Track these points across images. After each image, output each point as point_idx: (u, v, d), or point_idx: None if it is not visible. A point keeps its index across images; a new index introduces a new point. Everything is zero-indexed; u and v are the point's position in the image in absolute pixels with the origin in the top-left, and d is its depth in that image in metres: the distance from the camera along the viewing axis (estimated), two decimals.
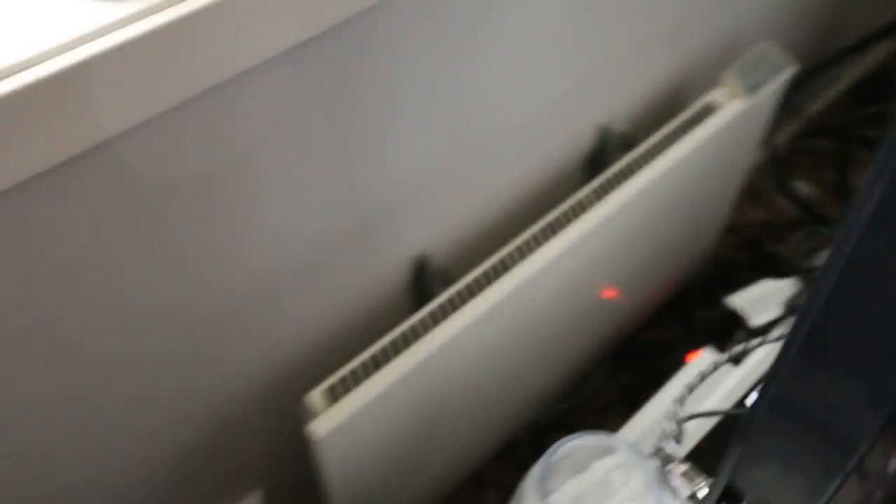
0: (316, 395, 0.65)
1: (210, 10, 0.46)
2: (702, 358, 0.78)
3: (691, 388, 0.59)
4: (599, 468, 0.52)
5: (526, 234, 0.79)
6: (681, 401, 0.58)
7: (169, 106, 0.47)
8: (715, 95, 0.91)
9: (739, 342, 0.79)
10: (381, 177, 0.69)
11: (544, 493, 0.48)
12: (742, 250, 1.36)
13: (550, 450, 0.51)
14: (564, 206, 0.81)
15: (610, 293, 1.07)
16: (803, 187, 1.42)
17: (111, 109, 0.45)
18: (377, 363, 0.68)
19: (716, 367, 0.61)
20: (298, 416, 0.75)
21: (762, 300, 0.82)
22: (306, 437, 0.66)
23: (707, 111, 0.90)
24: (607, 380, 1.20)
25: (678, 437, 0.54)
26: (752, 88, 0.91)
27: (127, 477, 0.69)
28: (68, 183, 0.48)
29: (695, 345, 0.90)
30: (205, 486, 0.79)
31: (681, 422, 0.56)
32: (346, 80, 0.59)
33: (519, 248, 0.78)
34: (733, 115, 0.91)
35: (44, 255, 0.50)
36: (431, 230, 0.79)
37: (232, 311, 0.65)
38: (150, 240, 0.55)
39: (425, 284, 0.80)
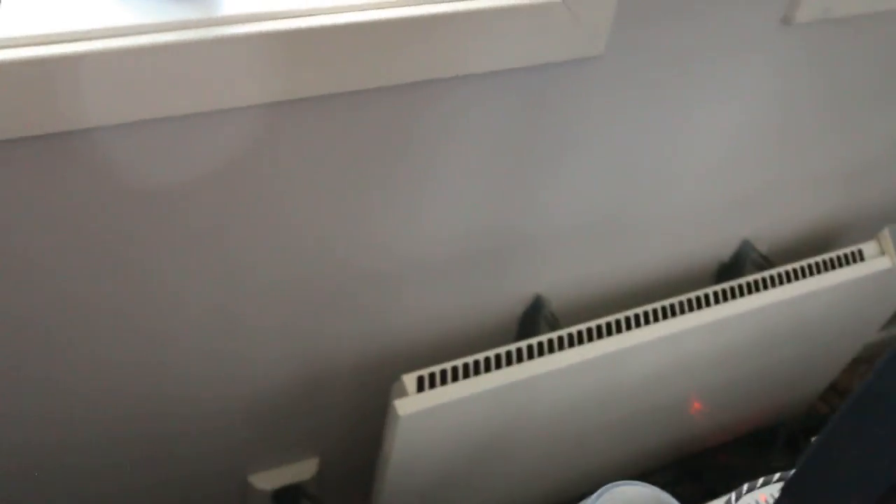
0: (409, 378, 0.70)
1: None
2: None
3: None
4: None
5: (639, 310, 0.82)
6: None
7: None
8: (865, 247, 0.92)
9: None
10: (536, 212, 0.75)
11: None
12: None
13: (601, 490, 0.53)
14: (683, 297, 0.84)
15: (697, 404, 1.08)
16: None
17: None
18: (469, 372, 0.73)
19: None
20: (381, 398, 0.81)
21: None
22: (389, 413, 0.72)
23: (852, 258, 0.92)
24: (667, 484, 1.20)
25: None
26: None
27: (219, 404, 0.76)
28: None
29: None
30: (274, 438, 0.85)
31: None
32: (542, 114, 0.65)
33: (628, 319, 0.82)
34: (875, 270, 0.92)
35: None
36: (558, 277, 0.84)
37: (355, 286, 0.72)
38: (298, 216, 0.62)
39: (534, 322, 0.84)
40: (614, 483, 0.54)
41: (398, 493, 0.82)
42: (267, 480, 0.89)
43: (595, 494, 0.53)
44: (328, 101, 0.56)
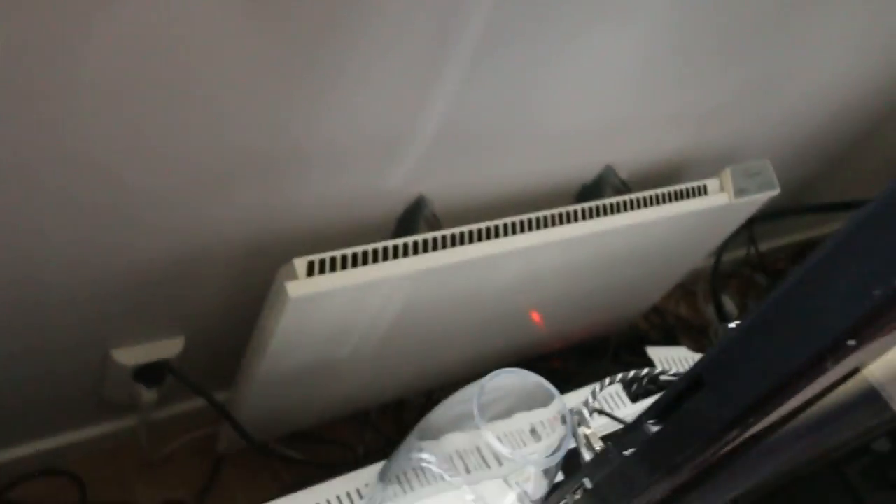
0: (300, 262, 0.72)
1: None
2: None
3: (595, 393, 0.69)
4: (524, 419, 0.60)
5: (507, 220, 0.87)
6: (593, 394, 0.68)
7: None
8: (709, 183, 1.02)
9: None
10: (426, 112, 0.77)
11: (480, 417, 0.55)
12: (657, 330, 1.49)
13: (489, 375, 0.58)
14: (538, 214, 0.89)
15: (536, 315, 1.17)
16: (729, 304, 1.56)
17: None
18: (356, 262, 0.76)
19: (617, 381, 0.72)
20: (255, 281, 0.82)
21: (675, 360, 0.93)
22: (274, 295, 0.73)
23: (696, 192, 1.02)
24: None
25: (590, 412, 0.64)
26: (739, 192, 1.03)
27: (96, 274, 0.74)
28: None
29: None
30: (141, 314, 0.84)
31: (592, 410, 0.65)
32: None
33: (497, 228, 0.86)
34: (713, 206, 1.02)
35: None
36: (439, 180, 0.87)
37: (245, 167, 0.71)
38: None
39: (414, 220, 0.88)
40: (499, 370, 0.59)
41: (270, 375, 0.85)
42: (129, 356, 0.88)
43: (485, 378, 0.58)
44: None
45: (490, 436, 0.52)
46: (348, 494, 0.72)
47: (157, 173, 0.67)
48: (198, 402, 1.07)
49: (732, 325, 0.43)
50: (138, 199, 0.69)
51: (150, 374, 0.91)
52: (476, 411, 0.53)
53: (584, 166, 1.02)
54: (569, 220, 0.91)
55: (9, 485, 0.97)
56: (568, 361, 1.33)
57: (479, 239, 0.84)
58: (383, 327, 0.88)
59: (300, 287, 0.71)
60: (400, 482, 0.62)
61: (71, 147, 0.60)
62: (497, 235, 0.85)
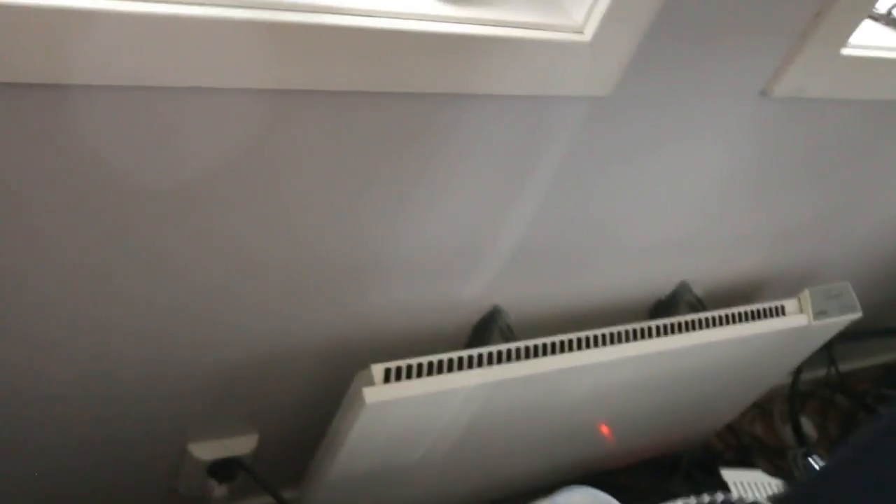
0: (378, 368, 0.74)
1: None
2: None
3: None
4: None
5: (581, 334, 0.88)
6: None
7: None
8: (787, 304, 1.01)
9: None
10: (508, 228, 0.80)
11: None
12: (732, 450, 1.44)
13: (559, 492, 0.59)
14: (612, 329, 0.90)
15: (606, 430, 1.15)
16: (808, 426, 1.50)
17: None
18: (432, 371, 0.77)
19: None
20: (333, 386, 0.84)
21: (750, 484, 0.90)
22: (351, 400, 0.75)
23: (774, 313, 1.01)
24: None
25: None
26: (818, 314, 1.01)
27: (184, 369, 0.78)
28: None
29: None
30: (221, 410, 0.87)
31: None
32: (541, 141, 0.70)
33: (571, 342, 0.87)
34: (792, 326, 1.01)
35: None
36: (516, 292, 0.89)
37: (332, 277, 0.75)
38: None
39: (489, 330, 0.89)
40: (570, 486, 0.59)
41: (340, 476, 0.85)
42: (206, 450, 0.90)
43: (556, 495, 0.58)
44: (343, 97, 0.59)
45: None
46: None
47: (255, 281, 0.71)
48: (267, 499, 1.08)
49: (814, 463, 0.43)
50: (235, 303, 0.72)
51: (223, 469, 0.92)
52: None
53: (660, 282, 1.03)
54: (642, 337, 0.91)
55: None
56: (637, 478, 1.29)
57: (553, 352, 0.84)
58: (454, 435, 0.88)
59: (376, 393, 0.73)
60: None
61: (182, 264, 0.65)
62: (570, 349, 0.86)
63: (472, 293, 0.86)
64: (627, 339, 0.91)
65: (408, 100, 0.61)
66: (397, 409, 0.75)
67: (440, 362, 0.77)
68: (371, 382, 0.74)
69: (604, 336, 0.89)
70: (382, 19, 0.54)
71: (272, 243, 0.68)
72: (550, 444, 1.07)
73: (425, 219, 0.74)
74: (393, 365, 0.76)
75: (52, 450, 0.81)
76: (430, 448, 0.88)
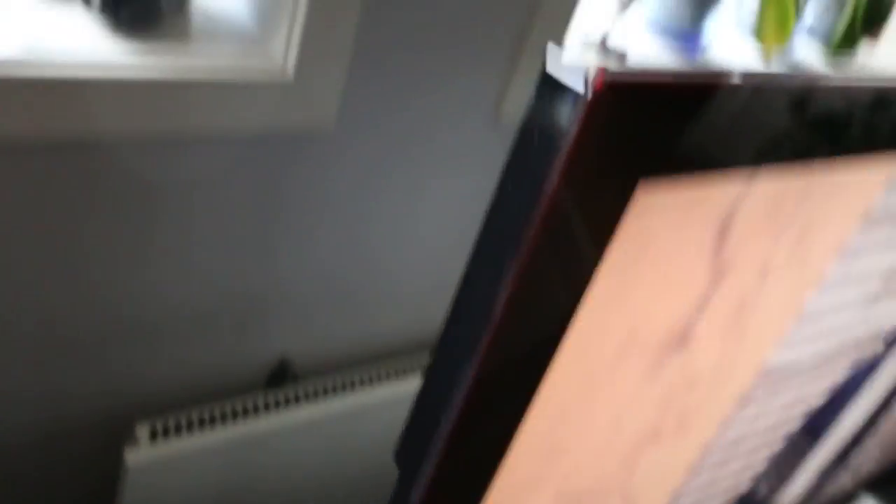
0: (142, 428, 0.73)
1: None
2: None
3: None
4: None
5: (373, 370, 0.89)
6: None
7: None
8: None
9: None
10: (278, 275, 0.81)
11: None
12: None
13: None
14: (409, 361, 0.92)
15: None
16: None
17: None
18: (204, 423, 0.77)
19: None
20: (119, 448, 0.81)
21: None
22: (121, 464, 0.73)
23: None
24: None
25: None
26: None
27: None
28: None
29: None
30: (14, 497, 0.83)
31: None
32: (277, 182, 0.72)
33: (362, 379, 0.88)
34: None
35: None
36: (302, 336, 0.90)
37: (113, 335, 0.74)
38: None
39: (281, 377, 0.89)
40: None
41: None
42: None
43: None
44: (25, 150, 0.60)
45: None
46: None
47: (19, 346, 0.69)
48: None
49: None
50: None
51: None
52: None
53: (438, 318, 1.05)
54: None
55: None
56: None
57: (335, 392, 0.85)
58: (243, 487, 0.86)
59: (141, 455, 0.72)
60: None
61: None
62: (356, 387, 0.87)
63: (256, 342, 0.87)
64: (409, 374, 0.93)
65: (105, 150, 0.62)
66: (166, 468, 0.74)
67: (212, 414, 0.77)
68: (136, 443, 0.73)
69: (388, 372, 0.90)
70: (66, 69, 0.56)
71: (17, 312, 0.67)
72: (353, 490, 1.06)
73: (170, 274, 0.74)
74: (160, 422, 0.75)
75: None
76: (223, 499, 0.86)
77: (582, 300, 0.27)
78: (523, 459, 0.32)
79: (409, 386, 0.91)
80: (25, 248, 0.64)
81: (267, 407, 0.81)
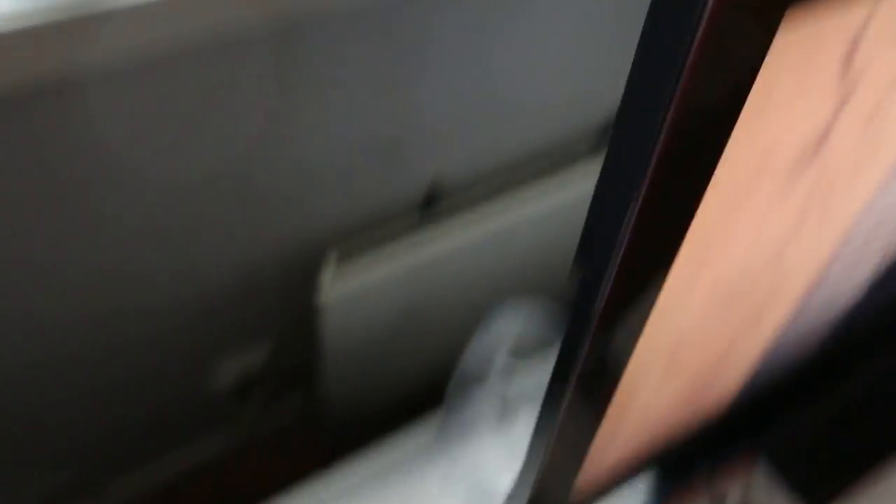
0: (330, 263, 0.83)
1: None
2: None
3: None
4: None
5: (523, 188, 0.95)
6: None
7: None
8: None
9: None
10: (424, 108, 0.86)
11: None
12: None
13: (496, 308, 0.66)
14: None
15: None
16: None
17: None
18: (384, 253, 0.86)
19: None
20: (310, 286, 0.93)
21: None
22: (315, 298, 0.84)
23: None
24: None
25: None
26: None
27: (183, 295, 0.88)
28: None
29: None
30: (225, 333, 0.98)
31: None
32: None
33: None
34: None
35: None
36: (452, 160, 0.97)
37: (270, 184, 0.83)
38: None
39: (434, 202, 0.97)
40: (504, 302, 0.67)
41: (337, 366, 0.96)
42: (226, 370, 1.01)
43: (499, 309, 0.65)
44: None
45: None
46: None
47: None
48: (298, 400, 1.20)
49: None
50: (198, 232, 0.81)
51: (247, 381, 1.04)
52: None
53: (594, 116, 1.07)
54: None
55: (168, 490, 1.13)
56: None
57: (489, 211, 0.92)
58: (422, 304, 0.97)
59: (332, 288, 0.82)
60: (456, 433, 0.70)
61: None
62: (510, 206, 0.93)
63: (410, 172, 0.94)
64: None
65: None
66: (356, 297, 0.84)
67: (388, 244, 0.86)
68: (326, 278, 0.83)
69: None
70: None
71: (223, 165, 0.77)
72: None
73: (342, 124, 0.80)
74: (346, 255, 0.84)
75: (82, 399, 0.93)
76: (404, 321, 0.97)
77: (744, 98, 0.29)
78: (689, 249, 0.35)
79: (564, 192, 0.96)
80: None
81: (431, 226, 0.89)
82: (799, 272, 0.47)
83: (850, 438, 0.77)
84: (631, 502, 0.71)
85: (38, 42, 0.57)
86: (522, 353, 0.71)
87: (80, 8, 0.57)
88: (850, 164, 0.40)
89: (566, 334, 0.40)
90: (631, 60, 0.28)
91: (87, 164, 0.69)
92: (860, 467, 0.75)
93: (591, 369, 0.40)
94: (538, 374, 0.64)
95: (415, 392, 1.23)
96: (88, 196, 0.71)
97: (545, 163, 1.07)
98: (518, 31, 0.87)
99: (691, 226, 0.34)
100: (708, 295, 0.40)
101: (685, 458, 0.71)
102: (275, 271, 0.93)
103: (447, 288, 0.96)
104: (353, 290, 0.83)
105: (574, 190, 0.97)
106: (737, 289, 0.42)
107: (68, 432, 0.96)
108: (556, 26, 0.90)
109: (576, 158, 1.03)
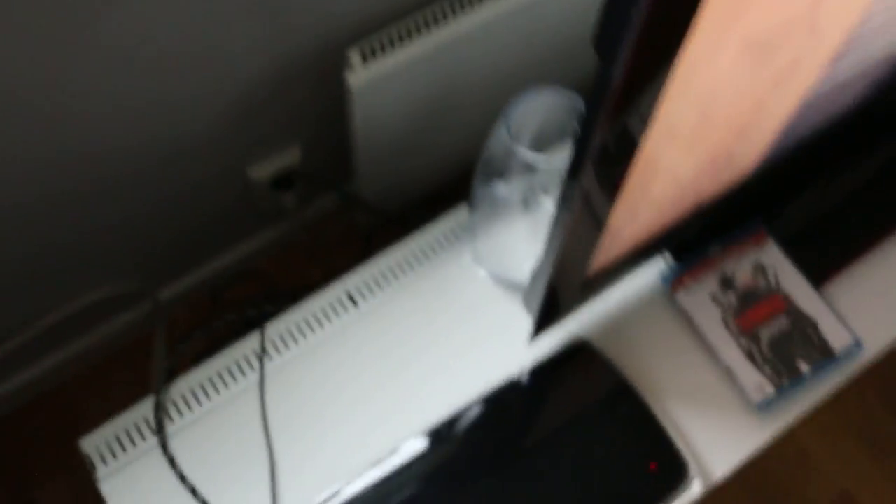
0: (354, 53, 0.82)
1: None
2: None
3: None
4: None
5: None
6: None
7: None
8: None
9: None
10: None
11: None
12: None
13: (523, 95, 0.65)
14: None
15: None
16: None
17: None
18: (407, 36, 0.84)
19: None
20: (336, 78, 0.92)
21: None
22: (344, 88, 0.84)
23: None
24: None
25: None
26: None
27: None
28: None
29: None
30: (258, 133, 0.98)
31: None
32: None
33: None
34: None
35: None
36: None
37: None
38: None
39: None
40: (532, 89, 0.66)
41: (371, 155, 0.97)
42: (261, 171, 1.04)
43: (519, 98, 0.65)
44: None
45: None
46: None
47: None
48: (333, 197, 1.23)
49: None
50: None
51: (282, 181, 1.07)
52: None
53: None
54: None
55: (217, 291, 1.21)
56: None
57: None
58: (446, 89, 0.96)
59: (359, 76, 0.82)
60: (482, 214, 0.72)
61: None
62: None
63: None
64: None
65: None
66: (382, 83, 0.84)
67: (409, 28, 0.84)
68: (352, 67, 0.83)
69: None
70: None
71: None
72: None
73: None
74: (367, 44, 0.83)
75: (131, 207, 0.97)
76: (430, 106, 0.96)
77: None
78: (712, 9, 0.34)
79: None
80: None
81: (454, 12, 0.86)
82: (831, 30, 0.46)
83: (856, 219, 0.80)
84: (646, 280, 0.75)
85: None
86: (545, 142, 0.71)
87: None
88: None
89: (590, 97, 0.40)
90: None
91: None
92: (861, 246, 0.78)
93: (613, 131, 0.40)
94: (561, 163, 0.64)
95: (444, 181, 1.26)
96: None
97: None
98: None
99: None
100: (738, 51, 0.39)
101: (697, 240, 0.74)
102: (302, 69, 0.92)
103: (471, 73, 0.96)
104: (380, 73, 0.82)
105: None
106: (768, 44, 0.41)
107: (128, 243, 1.02)
108: None
109: None
